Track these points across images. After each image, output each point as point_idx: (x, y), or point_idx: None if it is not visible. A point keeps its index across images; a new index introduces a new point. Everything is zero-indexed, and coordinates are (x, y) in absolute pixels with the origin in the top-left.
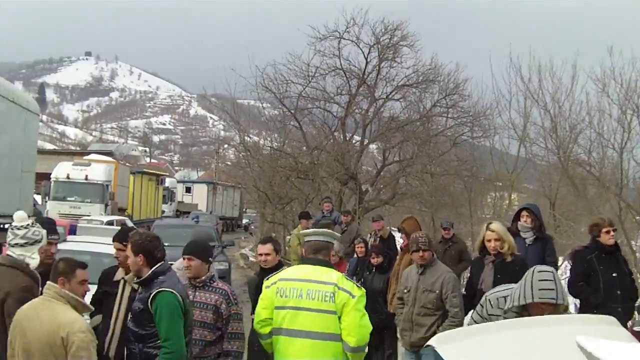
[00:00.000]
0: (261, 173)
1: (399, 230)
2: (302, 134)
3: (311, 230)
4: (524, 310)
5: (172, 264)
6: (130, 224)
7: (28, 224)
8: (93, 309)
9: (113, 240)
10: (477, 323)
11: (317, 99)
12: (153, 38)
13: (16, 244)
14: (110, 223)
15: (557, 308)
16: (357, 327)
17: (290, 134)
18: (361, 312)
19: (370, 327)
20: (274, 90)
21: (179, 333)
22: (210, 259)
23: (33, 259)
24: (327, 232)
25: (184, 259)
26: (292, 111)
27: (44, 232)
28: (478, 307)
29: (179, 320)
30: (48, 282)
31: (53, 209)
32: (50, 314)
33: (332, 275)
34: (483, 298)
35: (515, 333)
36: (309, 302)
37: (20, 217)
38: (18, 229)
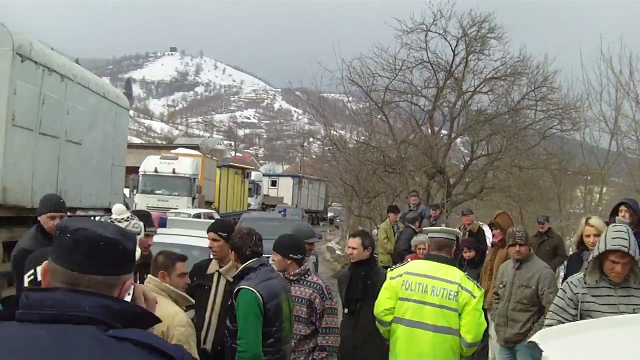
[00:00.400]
0: (347, 166)
1: (490, 225)
2: (389, 127)
3: (437, 227)
4: (599, 268)
5: (268, 258)
6: (217, 217)
7: (127, 217)
8: (193, 301)
9: (208, 231)
10: (561, 308)
11: (404, 92)
12: (237, 33)
13: None
14: (197, 216)
15: (630, 261)
16: (475, 325)
17: (377, 127)
18: (480, 312)
19: (485, 325)
20: (361, 83)
21: (253, 332)
22: (292, 255)
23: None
24: (451, 230)
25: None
26: (379, 104)
27: (142, 224)
28: (560, 292)
29: (254, 319)
30: (149, 275)
31: (141, 202)
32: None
33: (456, 274)
34: (564, 284)
35: (622, 331)
36: (433, 298)
37: (119, 209)
38: (118, 221)
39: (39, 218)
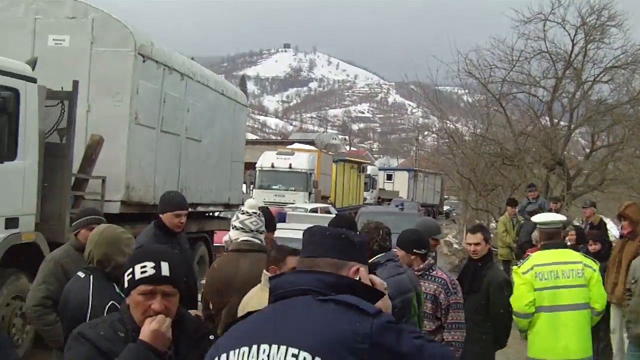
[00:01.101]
0: (464, 159)
1: (619, 216)
2: (506, 119)
3: (543, 216)
4: None
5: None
6: (333, 211)
7: (254, 212)
8: None
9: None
10: None
11: (522, 84)
12: (351, 28)
13: (250, 229)
14: (314, 211)
15: None
16: (601, 295)
17: (494, 120)
18: (600, 282)
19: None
20: (477, 75)
21: None
22: (415, 250)
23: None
24: (556, 218)
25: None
26: (497, 96)
27: (263, 222)
28: None
29: None
30: (263, 271)
31: (258, 198)
32: (259, 302)
33: (574, 254)
34: None
35: None
36: (565, 280)
37: (252, 204)
38: (242, 213)
39: (161, 215)
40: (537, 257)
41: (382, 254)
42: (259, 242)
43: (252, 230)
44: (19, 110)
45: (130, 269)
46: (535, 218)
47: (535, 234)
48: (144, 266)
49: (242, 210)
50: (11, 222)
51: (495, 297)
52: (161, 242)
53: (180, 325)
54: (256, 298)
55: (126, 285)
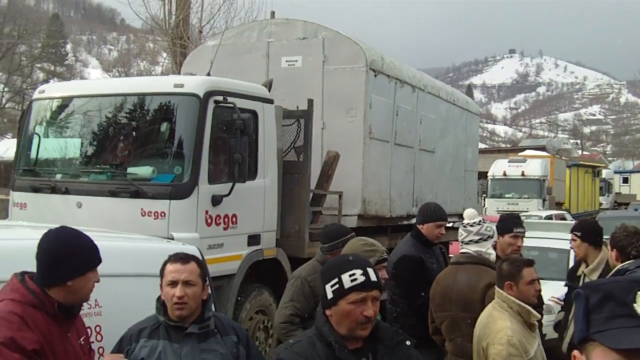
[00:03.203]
0: None
1: None
2: None
3: None
4: None
5: None
6: (569, 218)
7: (480, 220)
8: (539, 316)
9: (571, 231)
10: None
11: None
12: (576, 29)
13: (470, 240)
14: (548, 218)
15: None
16: None
17: None
18: None
19: None
20: None
21: None
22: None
23: (489, 254)
24: None
25: None
26: None
27: (494, 227)
28: None
29: None
30: (496, 287)
31: (491, 206)
32: (486, 321)
33: None
34: None
35: None
36: None
37: (471, 214)
38: (471, 225)
39: (420, 226)
40: None
41: (632, 261)
42: (476, 254)
43: (477, 241)
44: (257, 130)
45: (336, 279)
46: None
47: None
48: (353, 274)
49: (470, 224)
50: (253, 239)
51: None
52: (421, 251)
53: (377, 334)
54: (500, 322)
55: (331, 296)
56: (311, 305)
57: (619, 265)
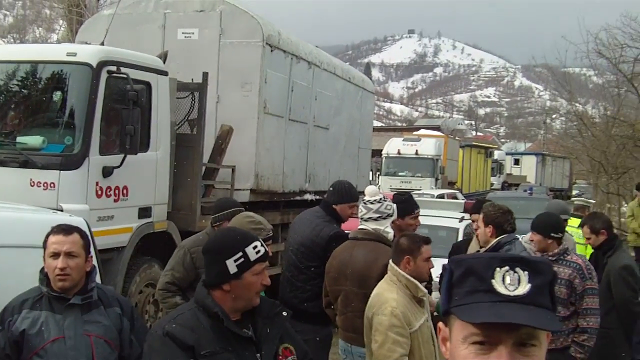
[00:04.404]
0: (594, 142)
1: None
2: (639, 100)
3: None
4: None
5: (517, 238)
6: (460, 197)
7: (381, 198)
8: (426, 291)
9: (470, 213)
10: None
11: None
12: (475, 12)
13: (369, 217)
14: (440, 196)
15: None
16: None
17: (625, 101)
18: None
19: None
20: (608, 55)
21: None
22: (552, 234)
23: (387, 233)
24: None
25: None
26: (628, 76)
27: (394, 206)
28: None
29: None
30: (390, 261)
31: (385, 184)
32: (375, 292)
33: None
34: None
35: None
36: None
37: (372, 191)
38: (371, 203)
39: (335, 206)
40: None
41: (505, 235)
42: (373, 230)
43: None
44: (151, 102)
45: (240, 253)
46: None
47: None
48: (255, 246)
49: (370, 201)
50: (144, 212)
51: (615, 286)
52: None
53: (254, 307)
54: (386, 294)
55: (235, 270)
56: (190, 276)
57: (495, 240)
